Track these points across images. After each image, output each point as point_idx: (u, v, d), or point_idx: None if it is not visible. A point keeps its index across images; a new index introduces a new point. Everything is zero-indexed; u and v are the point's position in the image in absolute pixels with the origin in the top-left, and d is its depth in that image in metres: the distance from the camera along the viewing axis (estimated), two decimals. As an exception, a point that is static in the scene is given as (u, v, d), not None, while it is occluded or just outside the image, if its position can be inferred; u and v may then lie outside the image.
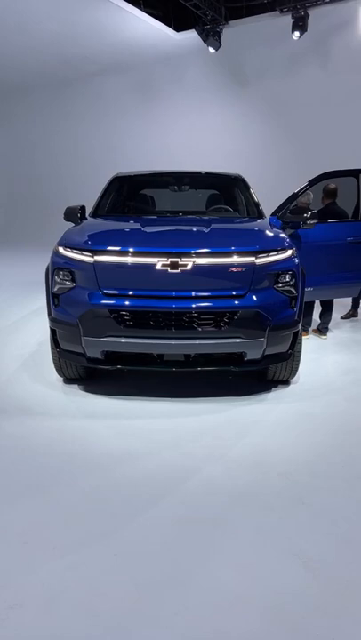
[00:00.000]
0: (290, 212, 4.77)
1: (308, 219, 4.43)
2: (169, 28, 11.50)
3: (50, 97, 15.96)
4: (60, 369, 3.87)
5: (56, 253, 3.64)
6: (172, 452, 2.96)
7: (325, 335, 5.45)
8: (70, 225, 4.24)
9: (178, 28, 11.63)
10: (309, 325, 5.53)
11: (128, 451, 2.95)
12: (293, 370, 3.85)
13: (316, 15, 10.28)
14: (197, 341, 3.34)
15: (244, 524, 2.31)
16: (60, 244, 3.67)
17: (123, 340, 3.35)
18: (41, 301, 4.34)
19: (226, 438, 3.13)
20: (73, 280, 3.50)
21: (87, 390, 3.83)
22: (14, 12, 10.30)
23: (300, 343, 3.75)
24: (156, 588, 1.92)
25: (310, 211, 4.64)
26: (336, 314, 5.82)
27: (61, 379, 3.99)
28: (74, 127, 15.75)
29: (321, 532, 2.26)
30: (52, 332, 3.62)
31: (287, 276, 3.49)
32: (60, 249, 3.62)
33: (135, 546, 2.16)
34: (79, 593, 1.90)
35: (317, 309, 5.54)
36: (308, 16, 10.28)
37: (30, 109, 16.59)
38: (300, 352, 3.79)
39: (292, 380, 4.03)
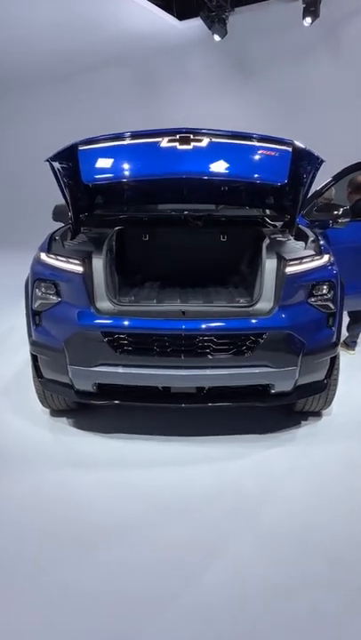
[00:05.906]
0: (316, 210, 4.08)
1: (339, 216, 3.75)
2: (172, 17, 10.91)
3: (47, 90, 15.29)
4: (44, 399, 3.18)
5: (37, 261, 2.95)
6: (180, 521, 2.27)
7: (353, 350, 4.75)
8: (59, 225, 3.58)
9: (181, 17, 11.03)
10: (336, 339, 4.83)
11: (123, 520, 2.27)
12: (329, 400, 3.15)
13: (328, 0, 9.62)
14: (213, 371, 2.65)
15: (287, 638, 1.64)
16: (43, 249, 3.00)
17: (120, 371, 2.67)
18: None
19: (251, 498, 2.44)
20: (57, 294, 2.82)
21: (77, 426, 3.14)
22: (7, 1, 9.71)
23: (338, 369, 3.06)
24: None
25: (341, 207, 3.94)
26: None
27: (48, 410, 3.31)
28: (72, 121, 14.97)
29: None
30: (33, 357, 2.95)
31: (324, 287, 2.79)
32: (43, 255, 2.94)
33: None
34: None
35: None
36: (320, 1, 9.63)
37: (26, 103, 15.93)
38: (337, 379, 3.10)
39: (324, 412, 3.34)
